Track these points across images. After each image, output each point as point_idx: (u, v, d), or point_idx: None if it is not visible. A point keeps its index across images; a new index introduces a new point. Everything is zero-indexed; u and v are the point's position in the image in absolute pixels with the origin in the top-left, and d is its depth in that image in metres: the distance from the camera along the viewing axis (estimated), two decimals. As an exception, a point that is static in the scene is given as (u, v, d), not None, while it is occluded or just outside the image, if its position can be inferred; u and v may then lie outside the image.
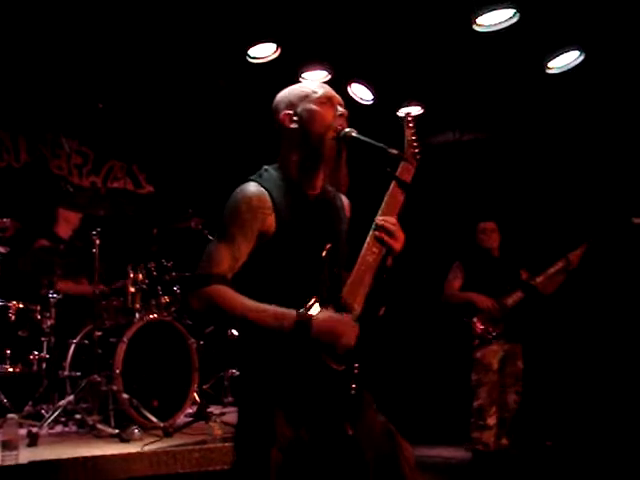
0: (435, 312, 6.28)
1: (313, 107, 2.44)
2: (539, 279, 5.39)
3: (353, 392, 2.28)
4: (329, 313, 2.25)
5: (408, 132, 2.52)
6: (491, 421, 5.33)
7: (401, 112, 6.87)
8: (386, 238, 2.35)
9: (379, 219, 2.37)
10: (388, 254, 2.39)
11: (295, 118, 2.45)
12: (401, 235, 2.38)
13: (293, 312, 2.21)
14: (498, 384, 5.42)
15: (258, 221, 2.31)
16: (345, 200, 2.65)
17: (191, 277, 2.29)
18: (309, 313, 2.23)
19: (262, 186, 2.36)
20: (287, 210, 2.36)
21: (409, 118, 2.54)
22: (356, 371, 2.30)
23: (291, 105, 2.48)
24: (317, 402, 2.23)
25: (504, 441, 5.38)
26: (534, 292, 5.39)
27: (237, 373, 6.01)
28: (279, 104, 2.53)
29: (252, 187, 2.36)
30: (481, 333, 5.43)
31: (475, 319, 5.45)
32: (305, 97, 2.47)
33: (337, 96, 2.51)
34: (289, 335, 2.18)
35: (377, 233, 2.35)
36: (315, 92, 2.47)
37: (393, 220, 2.38)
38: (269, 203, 2.33)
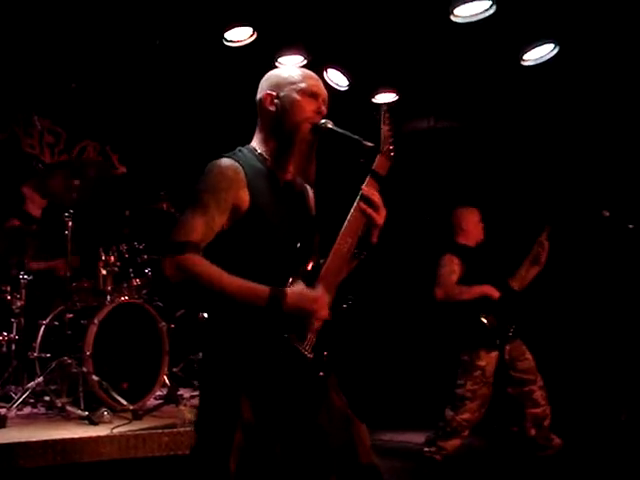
0: (408, 301, 6.30)
1: (295, 96, 2.43)
2: (515, 283, 5.22)
3: (320, 379, 2.31)
4: (302, 287, 2.26)
5: (385, 127, 2.50)
6: (466, 433, 5.09)
7: (377, 101, 6.89)
8: (369, 210, 2.37)
9: (365, 189, 2.39)
10: (370, 230, 2.42)
11: (276, 101, 2.44)
12: (383, 210, 2.41)
13: (267, 287, 2.22)
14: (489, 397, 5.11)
15: (232, 192, 2.29)
16: (310, 191, 2.66)
17: (164, 243, 2.25)
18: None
19: (236, 161, 2.35)
20: (259, 188, 2.35)
21: (387, 114, 2.52)
22: (325, 359, 2.32)
23: (275, 87, 2.47)
24: (284, 389, 2.24)
25: (557, 440, 5.16)
26: (512, 294, 5.18)
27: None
28: (265, 82, 2.52)
29: (226, 160, 2.35)
30: (501, 331, 5.06)
31: (490, 317, 5.06)
32: (291, 83, 2.45)
33: (324, 93, 2.50)
34: (263, 309, 2.20)
35: (361, 204, 2.37)
36: (303, 82, 2.45)
37: (377, 193, 2.41)
38: (243, 177, 2.32)
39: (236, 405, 2.21)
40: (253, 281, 2.23)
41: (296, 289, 2.25)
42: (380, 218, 2.40)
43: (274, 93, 2.46)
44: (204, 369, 2.44)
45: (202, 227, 2.24)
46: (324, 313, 2.29)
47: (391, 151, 2.48)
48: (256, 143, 2.50)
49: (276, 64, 6.27)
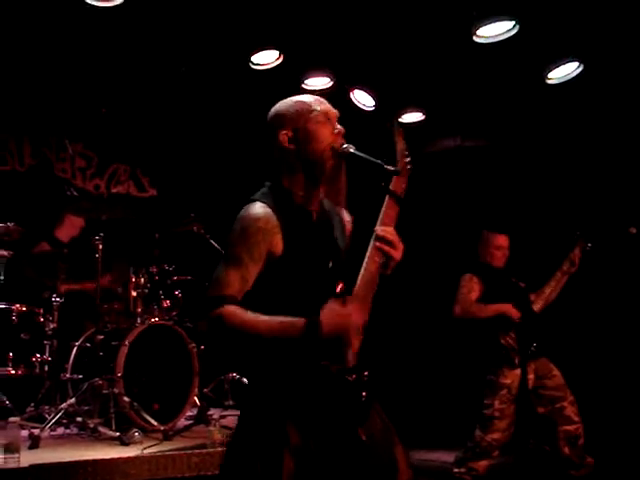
0: (433, 319, 6.28)
1: (311, 127, 2.39)
2: (537, 303, 5.19)
3: (363, 399, 2.31)
4: (333, 305, 2.24)
5: (399, 143, 2.51)
6: (496, 453, 5.01)
7: (404, 120, 6.91)
8: (386, 248, 2.37)
9: (378, 229, 2.39)
10: (388, 263, 2.42)
11: (294, 138, 2.40)
12: (400, 244, 2.40)
13: (301, 318, 2.21)
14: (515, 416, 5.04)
15: (266, 243, 2.28)
16: (346, 215, 2.64)
17: (202, 301, 2.28)
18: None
19: (267, 206, 2.33)
20: (293, 229, 2.34)
21: (399, 129, 2.52)
22: (365, 379, 2.31)
23: (288, 123, 2.41)
24: (328, 411, 2.25)
25: (589, 459, 5.03)
26: (532, 314, 5.13)
27: (237, 376, 6.06)
28: (276, 121, 2.46)
29: (258, 208, 2.32)
30: (522, 349, 5.00)
31: (508, 336, 5.04)
32: (302, 116, 2.41)
33: (334, 110, 2.47)
34: (301, 339, 2.20)
35: (377, 244, 2.37)
36: (313, 110, 2.42)
37: (392, 230, 2.40)
38: (275, 222, 2.30)
39: (283, 431, 2.22)
40: (286, 314, 2.25)
41: (327, 308, 2.23)
42: (397, 253, 2.40)
43: (290, 133, 2.41)
44: (248, 395, 2.43)
45: (237, 280, 2.26)
46: (359, 323, 2.29)
47: (407, 165, 2.48)
48: (281, 179, 2.45)
49: (303, 86, 6.34)
